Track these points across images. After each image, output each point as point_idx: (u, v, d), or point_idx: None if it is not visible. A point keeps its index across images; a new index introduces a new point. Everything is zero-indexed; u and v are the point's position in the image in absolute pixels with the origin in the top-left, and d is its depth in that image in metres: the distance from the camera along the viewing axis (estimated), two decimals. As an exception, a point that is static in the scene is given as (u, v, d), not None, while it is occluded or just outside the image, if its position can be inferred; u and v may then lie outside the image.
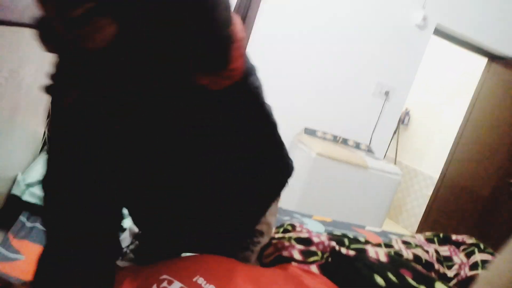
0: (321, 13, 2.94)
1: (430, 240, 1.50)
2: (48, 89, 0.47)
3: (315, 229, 1.68)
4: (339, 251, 0.86)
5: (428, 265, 1.33)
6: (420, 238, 1.51)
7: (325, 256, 0.86)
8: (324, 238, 0.93)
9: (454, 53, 4.04)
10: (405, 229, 4.17)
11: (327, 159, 2.61)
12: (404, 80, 3.21)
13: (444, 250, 1.45)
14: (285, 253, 0.84)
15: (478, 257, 1.32)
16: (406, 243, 1.44)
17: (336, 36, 3.00)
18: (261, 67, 2.87)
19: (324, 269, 0.81)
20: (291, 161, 0.71)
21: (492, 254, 1.36)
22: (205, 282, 0.59)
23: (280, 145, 0.69)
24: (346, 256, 0.84)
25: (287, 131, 3.03)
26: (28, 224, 1.04)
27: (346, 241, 0.94)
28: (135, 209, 0.66)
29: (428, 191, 3.96)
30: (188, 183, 0.60)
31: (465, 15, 3.19)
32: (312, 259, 0.84)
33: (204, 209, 0.64)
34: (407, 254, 1.34)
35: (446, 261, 1.42)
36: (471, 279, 1.25)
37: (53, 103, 0.51)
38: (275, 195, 0.74)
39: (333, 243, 0.91)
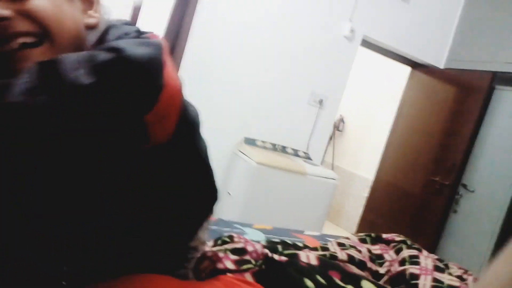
0: (255, 24, 3.01)
1: (363, 240, 1.58)
2: None
3: (256, 238, 1.70)
4: (272, 258, 0.89)
5: (361, 264, 1.41)
6: (354, 239, 1.59)
7: (258, 263, 0.89)
8: (258, 246, 0.96)
9: (382, 62, 4.31)
10: (346, 231, 4.34)
11: (267, 168, 2.67)
12: (336, 88, 3.37)
13: (376, 249, 1.54)
14: (219, 265, 0.85)
15: (405, 253, 1.42)
16: (341, 244, 1.51)
17: (270, 47, 3.09)
18: (199, 79, 2.87)
19: (258, 277, 0.84)
20: (217, 188, 0.73)
21: (418, 249, 1.46)
22: None
23: (210, 176, 0.71)
24: (278, 262, 0.87)
25: (227, 142, 3.05)
26: None
27: (280, 248, 0.97)
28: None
29: (365, 193, 4.16)
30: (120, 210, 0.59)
31: (389, 27, 3.42)
32: (245, 267, 0.86)
33: (137, 232, 0.63)
34: (342, 255, 1.40)
35: (378, 259, 1.51)
36: (400, 275, 1.34)
37: None
38: (203, 218, 0.75)
39: (266, 251, 0.93)
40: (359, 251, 1.48)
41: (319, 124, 3.39)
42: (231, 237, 1.21)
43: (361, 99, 4.59)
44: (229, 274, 0.85)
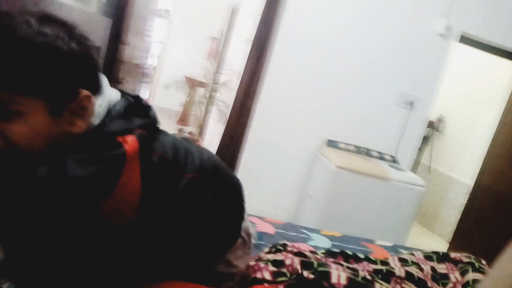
0: (344, 24, 3.01)
1: (428, 258, 1.54)
2: None
3: (321, 244, 1.76)
4: (301, 274, 0.96)
5: (421, 282, 1.39)
6: (419, 255, 1.55)
7: (292, 277, 0.97)
8: (296, 260, 1.03)
9: (484, 58, 3.93)
10: (441, 238, 4.08)
11: (347, 172, 2.67)
12: (429, 89, 3.19)
13: (442, 268, 1.49)
14: (258, 275, 0.95)
15: (470, 276, 1.36)
16: (402, 260, 1.50)
17: (356, 46, 3.05)
18: (285, 80, 3.04)
19: (289, 290, 0.92)
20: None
21: (484, 273, 1.38)
22: None
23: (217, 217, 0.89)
24: (306, 279, 0.94)
25: (309, 143, 3.11)
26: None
27: (315, 264, 1.03)
28: None
29: (463, 199, 3.86)
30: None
31: (490, 21, 3.12)
32: (280, 279, 0.94)
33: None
34: (400, 271, 1.40)
35: (443, 278, 1.46)
36: (461, 298, 1.29)
37: None
38: (227, 245, 0.89)
39: (298, 266, 1.00)
40: (421, 269, 1.46)
41: (410, 127, 3.25)
42: (284, 246, 1.30)
43: (462, 98, 4.23)
44: (265, 284, 0.95)
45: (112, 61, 2.07)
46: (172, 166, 0.78)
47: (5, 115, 0.61)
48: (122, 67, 2.23)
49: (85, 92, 0.68)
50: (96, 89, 0.72)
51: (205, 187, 0.83)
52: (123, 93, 0.81)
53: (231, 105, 3.24)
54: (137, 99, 0.81)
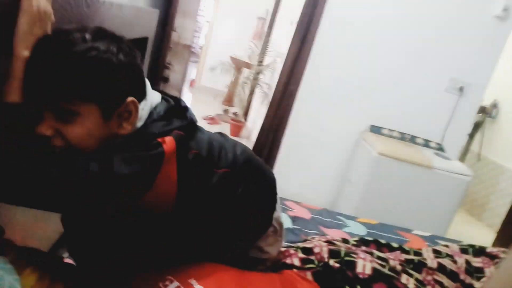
0: (392, 6, 2.92)
1: (464, 251, 1.53)
2: None
3: (356, 232, 1.79)
4: (327, 263, 1.01)
5: (453, 274, 1.40)
6: (455, 247, 1.55)
7: (319, 265, 1.02)
8: (325, 249, 1.08)
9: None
10: (489, 228, 3.95)
11: (389, 159, 2.64)
12: (481, 75, 3.04)
13: (477, 262, 1.48)
14: (288, 260, 1.02)
15: (505, 271, 1.34)
16: (436, 252, 1.50)
17: (406, 29, 2.96)
18: (328, 65, 3.05)
19: (316, 276, 0.97)
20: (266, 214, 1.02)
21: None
22: (196, 282, 0.80)
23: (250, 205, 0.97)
24: (331, 268, 0.98)
25: (351, 129, 3.10)
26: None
27: (342, 253, 1.07)
28: None
29: (515, 190, 3.70)
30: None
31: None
32: (308, 266, 1.00)
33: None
34: (432, 263, 1.41)
35: (477, 272, 1.46)
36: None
37: None
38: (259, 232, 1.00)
39: (326, 255, 1.05)
40: (455, 262, 1.46)
41: (459, 113, 3.13)
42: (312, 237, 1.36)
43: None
44: (294, 270, 1.01)
45: (160, 48, 2.17)
46: (206, 163, 0.86)
47: (64, 119, 0.72)
48: (169, 52, 2.33)
49: (131, 98, 0.77)
50: (141, 95, 0.81)
51: (236, 181, 0.90)
52: (164, 95, 0.90)
53: (274, 88, 3.28)
54: (177, 100, 0.89)
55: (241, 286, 0.82)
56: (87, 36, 0.72)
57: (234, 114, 5.18)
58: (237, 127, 4.70)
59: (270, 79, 4.31)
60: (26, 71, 0.69)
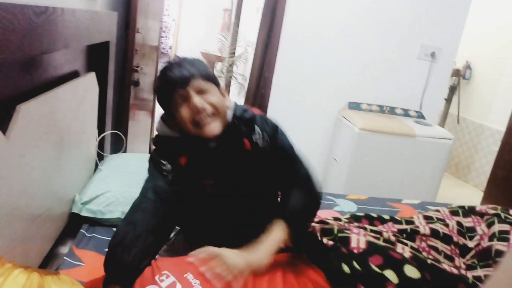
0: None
1: (454, 213, 1.54)
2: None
3: (347, 209, 1.79)
4: (321, 241, 1.00)
5: (447, 238, 1.41)
6: (445, 211, 1.56)
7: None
8: (317, 228, 1.07)
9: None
10: (476, 188, 4.02)
11: (371, 133, 2.65)
12: (451, 38, 3.06)
13: (468, 222, 1.50)
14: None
15: (496, 227, 1.36)
16: (427, 217, 1.51)
17: (373, 1, 2.95)
18: (299, 48, 3.00)
19: (310, 257, 0.97)
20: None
21: (511, 224, 1.38)
22: (192, 277, 0.78)
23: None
24: (325, 246, 0.98)
25: (330, 108, 3.09)
26: (88, 234, 1.32)
27: (335, 230, 1.06)
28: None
29: (496, 147, 3.76)
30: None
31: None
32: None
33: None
34: (425, 229, 1.42)
35: (469, 232, 1.47)
36: (488, 250, 1.31)
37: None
38: None
39: (318, 234, 1.05)
40: (446, 225, 1.47)
41: (434, 79, 3.15)
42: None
43: (490, 43, 4.04)
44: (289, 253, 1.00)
45: (125, 51, 2.11)
46: None
47: (203, 92, 1.02)
48: (136, 54, 2.27)
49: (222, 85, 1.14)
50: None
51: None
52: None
53: (249, 77, 3.24)
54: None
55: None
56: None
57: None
58: (218, 122, 4.65)
59: (244, 70, 4.27)
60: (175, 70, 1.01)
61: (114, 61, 1.83)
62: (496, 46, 3.97)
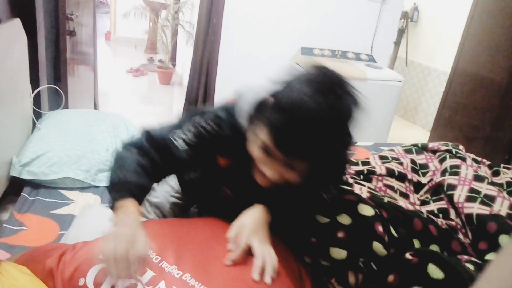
0: None
1: (408, 151, 1.57)
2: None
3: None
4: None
5: (401, 176, 1.43)
6: (399, 150, 1.59)
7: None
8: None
9: None
10: (423, 128, 4.20)
11: (324, 78, 2.62)
12: (400, -22, 3.03)
13: (421, 159, 1.54)
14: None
15: (448, 163, 1.40)
16: (383, 157, 1.53)
17: None
18: None
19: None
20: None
21: (462, 158, 1.43)
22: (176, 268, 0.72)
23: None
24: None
25: (283, 54, 3.02)
26: (31, 198, 1.21)
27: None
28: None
29: (442, 87, 3.90)
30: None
31: None
32: None
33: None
34: (381, 169, 1.43)
35: (422, 168, 1.51)
36: (440, 185, 1.35)
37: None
38: None
39: None
40: (401, 163, 1.50)
41: (383, 21, 3.15)
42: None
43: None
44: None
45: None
46: None
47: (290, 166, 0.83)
48: (69, 2, 2.04)
49: None
50: None
51: None
52: None
53: (196, 25, 3.07)
54: None
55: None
56: None
57: (160, 61, 4.89)
58: (166, 75, 4.44)
59: (191, 17, 4.04)
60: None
61: (42, 7, 1.63)
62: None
